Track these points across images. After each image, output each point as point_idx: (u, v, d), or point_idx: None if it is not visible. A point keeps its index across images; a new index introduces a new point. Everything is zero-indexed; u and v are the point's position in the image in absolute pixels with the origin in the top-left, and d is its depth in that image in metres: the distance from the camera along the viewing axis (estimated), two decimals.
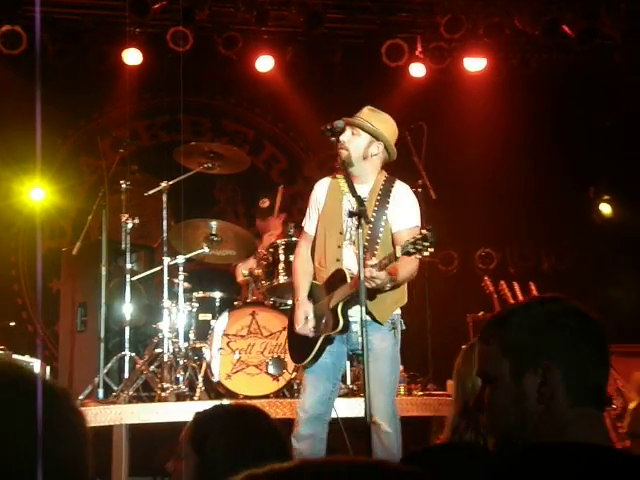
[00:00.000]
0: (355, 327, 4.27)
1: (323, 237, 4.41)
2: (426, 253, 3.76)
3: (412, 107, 8.00)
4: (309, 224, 4.52)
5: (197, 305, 6.30)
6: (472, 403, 1.83)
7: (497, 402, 1.72)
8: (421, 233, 3.77)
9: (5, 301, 7.94)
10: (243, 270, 6.51)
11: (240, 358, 5.98)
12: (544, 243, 8.84)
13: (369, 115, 4.43)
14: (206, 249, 6.22)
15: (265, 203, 7.06)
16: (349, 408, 5.21)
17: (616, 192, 8.77)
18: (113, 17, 7.90)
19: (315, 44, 8.22)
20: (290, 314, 4.59)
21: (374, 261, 3.98)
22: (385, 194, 4.33)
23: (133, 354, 6.12)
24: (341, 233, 4.34)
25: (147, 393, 6.06)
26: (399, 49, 8.09)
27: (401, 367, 6.14)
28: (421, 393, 6.19)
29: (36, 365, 5.51)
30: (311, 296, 4.43)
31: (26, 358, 5.55)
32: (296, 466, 0.92)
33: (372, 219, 4.18)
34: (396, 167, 7.27)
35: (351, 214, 3.93)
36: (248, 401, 5.10)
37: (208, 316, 6.35)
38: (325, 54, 8.28)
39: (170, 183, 6.16)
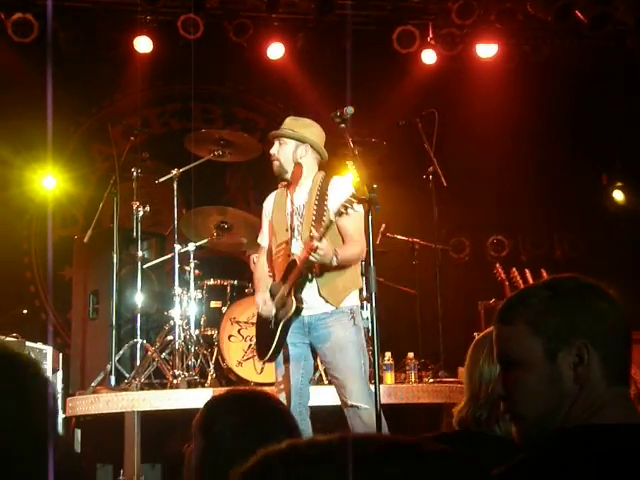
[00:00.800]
0: (311, 319, 4.43)
1: (274, 241, 4.67)
2: (359, 210, 4.06)
3: (423, 94, 7.98)
4: (262, 237, 4.82)
5: (208, 292, 6.32)
6: (491, 389, 1.75)
7: (528, 385, 1.65)
8: (351, 194, 4.00)
9: (18, 289, 7.98)
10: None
11: (251, 345, 5.99)
12: (556, 230, 8.80)
13: (291, 123, 4.68)
14: (216, 236, 6.23)
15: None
16: (320, 396, 5.24)
17: (629, 179, 8.71)
18: (124, 5, 7.91)
19: (326, 31, 8.20)
20: (257, 319, 4.69)
21: (316, 234, 4.17)
22: (323, 189, 4.51)
23: (145, 341, 6.15)
24: (287, 230, 4.57)
25: (159, 380, 6.08)
26: (410, 35, 8.05)
27: (411, 354, 6.24)
28: (432, 380, 6.20)
29: (49, 352, 5.54)
30: (271, 295, 4.57)
31: (39, 345, 5.57)
32: (338, 438, 0.90)
33: (314, 213, 4.43)
34: (407, 154, 7.29)
35: (362, 201, 3.95)
36: (259, 388, 5.11)
37: (219, 303, 6.37)
38: (336, 41, 8.25)
39: (181, 170, 6.16)
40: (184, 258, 6.18)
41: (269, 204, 4.78)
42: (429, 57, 8.21)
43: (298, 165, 4.59)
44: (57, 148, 7.80)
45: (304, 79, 8.38)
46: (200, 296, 6.26)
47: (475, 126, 8.24)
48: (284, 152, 4.61)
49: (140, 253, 6.25)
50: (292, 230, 4.55)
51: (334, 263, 4.25)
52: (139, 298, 6.23)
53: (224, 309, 6.18)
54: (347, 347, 4.33)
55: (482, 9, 7.94)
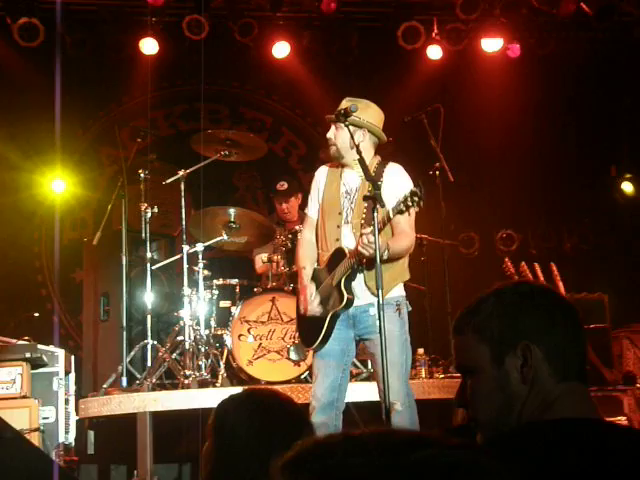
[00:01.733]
0: (356, 311, 4.37)
1: (323, 220, 4.56)
2: (417, 208, 3.98)
3: (429, 89, 7.98)
4: (311, 208, 4.69)
5: (217, 292, 6.34)
6: (455, 400, 1.79)
7: (480, 390, 1.69)
8: (410, 191, 3.92)
9: (29, 292, 8.03)
10: (262, 257, 6.52)
11: (261, 344, 6.01)
12: (566, 223, 8.78)
13: (346, 106, 4.48)
14: (225, 236, 6.25)
15: (284, 186, 7.07)
16: (367, 392, 5.25)
17: (638, 170, 8.68)
18: (129, 7, 7.94)
19: (331, 28, 8.20)
20: (296, 300, 4.64)
21: (369, 229, 4.11)
22: (377, 176, 4.42)
23: (155, 342, 6.17)
24: (340, 214, 4.48)
25: (170, 380, 6.11)
26: (416, 31, 8.04)
27: (421, 350, 6.24)
28: (443, 376, 6.20)
29: (60, 355, 5.57)
30: (315, 280, 4.52)
31: (50, 348, 5.61)
32: (372, 434, 0.92)
33: (366, 198, 4.29)
34: (413, 150, 7.29)
35: (365, 197, 3.96)
36: (272, 387, 5.13)
37: (228, 303, 6.39)
38: (341, 38, 8.25)
39: (188, 171, 6.18)
40: (193, 258, 6.20)
41: (321, 177, 4.66)
42: (434, 52, 8.20)
43: (355, 150, 4.39)
44: (66, 151, 7.84)
45: (310, 77, 8.39)
46: (210, 296, 6.28)
47: (482, 120, 8.23)
48: (341, 137, 4.47)
49: (149, 254, 6.28)
50: (342, 214, 4.48)
51: (385, 257, 4.17)
52: (149, 299, 6.26)
53: (234, 309, 6.20)
54: (391, 342, 4.16)
55: (487, 3, 7.93)
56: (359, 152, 4.22)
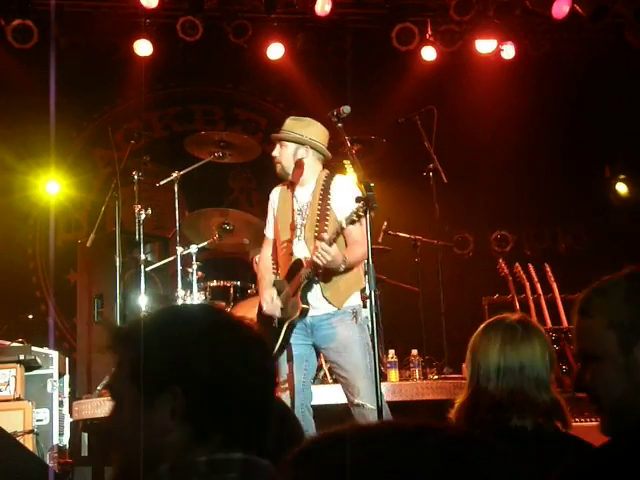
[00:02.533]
0: (314, 320, 4.47)
1: (278, 238, 4.73)
2: (370, 214, 4.02)
3: (424, 91, 7.98)
4: (268, 228, 4.90)
5: (211, 294, 6.34)
6: (572, 385, 1.76)
7: (605, 377, 1.64)
8: (356, 198, 3.99)
9: (24, 294, 8.02)
10: (256, 258, 6.52)
11: None
12: (560, 224, 8.80)
13: (291, 125, 4.69)
14: (218, 238, 6.25)
15: None
16: (324, 395, 5.28)
17: (632, 171, 8.70)
18: (123, 9, 7.93)
19: (325, 30, 8.21)
20: (259, 310, 4.70)
21: (325, 236, 4.25)
22: (326, 190, 4.56)
23: None
24: (293, 230, 4.62)
25: None
26: (410, 33, 8.05)
27: (415, 351, 6.25)
28: (437, 377, 6.21)
29: (54, 357, 5.56)
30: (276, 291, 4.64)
31: (45, 350, 5.60)
32: (381, 425, 0.94)
33: (318, 212, 4.50)
34: (407, 151, 7.29)
35: (358, 199, 3.97)
36: None
37: (223, 304, 6.39)
38: (335, 40, 8.26)
39: (181, 173, 6.17)
40: (187, 260, 6.19)
41: (275, 196, 4.85)
42: (428, 54, 8.20)
43: (299, 166, 4.62)
44: (60, 153, 7.83)
45: (304, 79, 8.39)
46: (203, 298, 6.28)
47: (476, 122, 8.24)
48: (285, 154, 4.64)
49: (143, 256, 6.26)
50: (295, 230, 4.60)
51: (341, 268, 4.32)
52: (143, 301, 6.25)
53: (227, 310, 6.19)
54: (352, 346, 4.37)
55: (480, 5, 7.94)
56: (351, 155, 4.26)
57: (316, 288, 4.47)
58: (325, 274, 4.41)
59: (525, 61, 8.33)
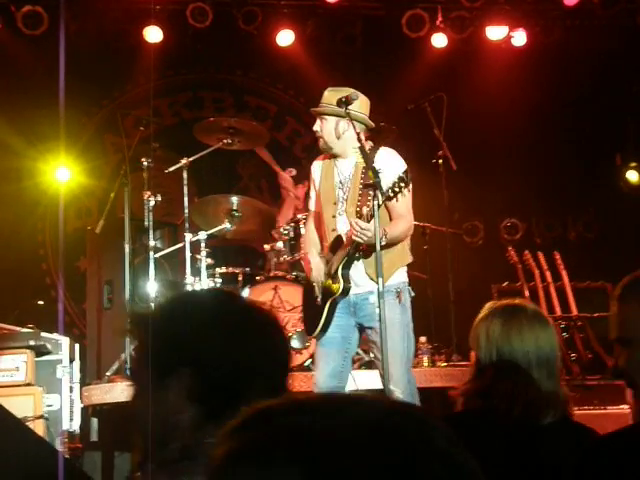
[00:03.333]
0: (357, 298, 4.40)
1: (320, 212, 4.66)
2: (406, 193, 4.05)
3: (434, 78, 7.95)
4: (310, 202, 4.83)
5: (220, 280, 6.34)
6: (611, 370, 1.78)
7: (638, 360, 1.66)
8: (398, 177, 3.96)
9: (34, 280, 8.05)
10: (265, 245, 6.53)
11: None
12: (570, 212, 8.76)
13: (329, 97, 4.57)
14: (227, 225, 6.25)
15: (292, 172, 7.08)
16: (369, 379, 5.26)
17: None
18: None
19: (335, 16, 8.18)
20: (304, 287, 4.66)
21: (364, 211, 4.20)
22: (370, 163, 4.39)
23: None
24: (335, 204, 4.54)
25: None
26: (420, 19, 8.02)
27: (424, 338, 6.25)
28: (445, 364, 6.21)
29: (64, 343, 5.58)
30: None
31: (55, 336, 5.62)
32: (315, 398, 0.95)
33: (360, 187, 4.40)
34: (416, 138, 7.27)
35: (366, 186, 3.96)
36: None
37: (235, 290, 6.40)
38: (345, 26, 8.24)
39: (190, 160, 6.18)
40: (196, 247, 6.21)
41: (317, 170, 4.75)
42: (439, 41, 8.16)
43: (341, 140, 4.54)
44: (70, 140, 7.84)
45: (314, 65, 8.36)
46: (212, 284, 6.29)
47: (486, 109, 8.20)
48: (326, 129, 4.56)
49: (152, 242, 6.27)
50: (337, 204, 4.54)
51: (382, 242, 4.17)
52: (152, 287, 6.26)
53: (242, 295, 6.20)
54: (391, 329, 4.18)
55: None
56: (359, 140, 4.24)
57: (358, 265, 4.40)
58: (367, 250, 4.31)
59: (536, 48, 8.28)
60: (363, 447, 0.81)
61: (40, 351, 5.33)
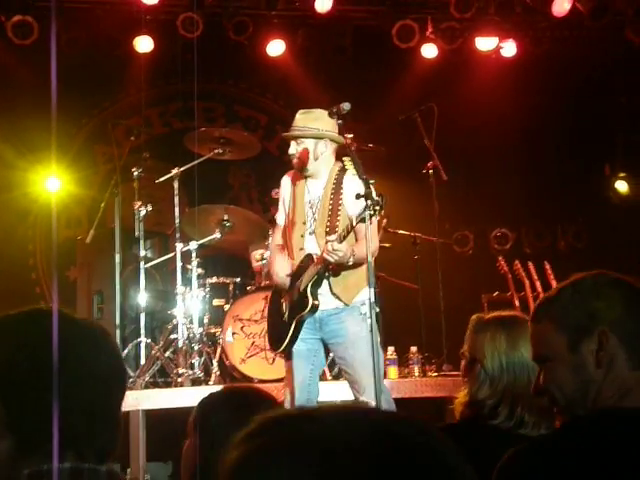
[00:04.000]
0: (323, 315, 4.46)
1: (289, 229, 4.68)
2: (377, 217, 4.06)
3: (424, 88, 7.97)
4: (280, 216, 4.82)
5: (211, 290, 6.34)
6: (532, 390, 1.85)
7: (555, 377, 1.75)
8: (373, 200, 3.92)
9: (24, 290, 8.01)
10: (256, 255, 6.53)
11: (254, 342, 6.02)
12: (560, 222, 8.79)
13: (304, 119, 4.63)
14: (218, 235, 6.25)
15: (278, 194, 7.06)
16: (333, 392, 5.31)
17: (632, 169, 8.69)
18: (123, 4, 7.92)
19: (325, 27, 8.20)
20: (269, 302, 4.72)
21: (334, 236, 4.24)
22: (338, 184, 4.53)
23: (149, 340, 6.17)
24: (304, 223, 4.59)
25: (163, 379, 6.11)
26: (410, 30, 8.05)
27: (414, 348, 6.25)
28: (436, 374, 6.21)
29: None
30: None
31: None
32: (326, 409, 0.94)
33: (330, 207, 4.47)
34: (407, 149, 7.30)
35: (358, 196, 3.96)
36: (262, 385, 5.13)
37: (222, 301, 6.40)
38: (336, 37, 8.26)
39: (181, 170, 6.18)
40: (187, 257, 6.20)
41: (286, 186, 4.77)
42: (429, 51, 8.19)
43: (319, 161, 4.57)
44: (60, 149, 7.82)
45: (304, 76, 8.38)
46: (203, 294, 6.29)
47: (476, 119, 8.23)
48: (304, 152, 4.58)
49: (143, 252, 6.28)
50: (305, 223, 4.58)
51: (350, 263, 4.31)
52: (143, 297, 6.26)
53: (227, 307, 6.20)
54: (359, 342, 4.32)
55: (481, 2, 7.94)
56: (350, 152, 4.26)
57: (326, 283, 4.46)
58: (335, 270, 4.41)
59: (526, 59, 8.32)
60: (367, 453, 0.85)
61: None
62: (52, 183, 7.75)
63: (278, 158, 8.77)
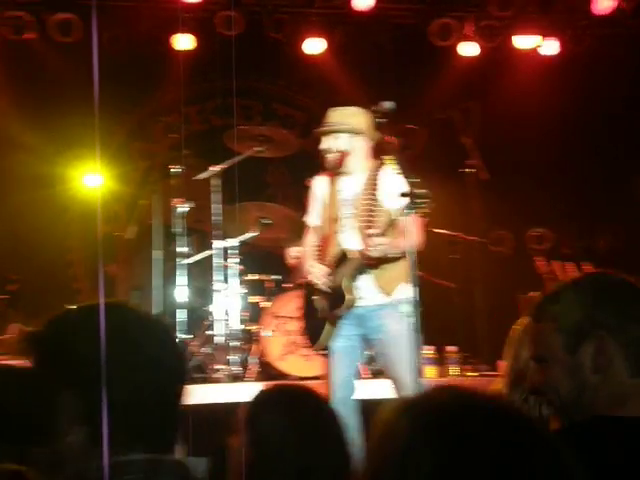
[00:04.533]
0: (364, 310, 4.43)
1: (324, 228, 4.67)
2: (420, 211, 3.93)
3: (463, 87, 7.94)
4: (311, 216, 4.81)
5: (249, 287, 6.36)
6: (527, 388, 1.88)
7: (552, 377, 1.73)
8: (417, 194, 3.86)
9: (62, 285, 8.09)
10: (293, 252, 6.53)
11: (292, 340, 6.03)
12: (599, 222, 8.70)
13: (340, 115, 4.60)
14: (257, 232, 6.27)
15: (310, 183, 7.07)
16: (376, 390, 5.29)
17: None
18: (163, 3, 7.98)
19: (364, 25, 8.19)
20: (304, 299, 4.68)
21: (376, 231, 4.22)
22: (376, 180, 4.48)
23: (187, 336, 6.20)
24: (340, 220, 4.55)
25: (200, 375, 6.14)
26: (449, 28, 8.02)
27: (452, 347, 6.23)
28: (474, 374, 6.18)
29: None
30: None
31: None
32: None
33: (369, 203, 4.43)
34: (447, 148, 7.26)
35: (403, 194, 3.95)
36: (300, 382, 5.14)
37: (260, 298, 6.41)
38: (374, 34, 8.25)
39: (220, 167, 6.21)
40: (225, 254, 6.23)
41: (320, 186, 4.75)
42: (468, 49, 8.15)
43: (353, 157, 4.55)
44: (99, 146, 7.87)
45: (343, 73, 8.38)
46: (241, 291, 6.31)
47: (516, 118, 8.16)
48: (340, 147, 4.56)
49: (182, 249, 6.31)
50: (342, 220, 4.54)
51: (391, 256, 4.28)
52: (181, 294, 6.29)
53: (265, 304, 6.22)
54: (401, 340, 4.24)
55: (521, 0, 7.88)
56: (393, 150, 4.24)
57: (366, 279, 4.43)
58: (374, 265, 4.37)
59: (566, 57, 8.25)
60: (484, 440, 0.96)
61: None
62: (93, 179, 7.83)
63: (314, 156, 8.77)
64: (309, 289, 4.77)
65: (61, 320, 1.54)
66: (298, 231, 6.62)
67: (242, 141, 6.33)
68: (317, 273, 4.55)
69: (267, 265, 6.99)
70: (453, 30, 8.01)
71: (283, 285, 6.46)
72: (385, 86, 7.52)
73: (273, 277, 6.51)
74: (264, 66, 8.66)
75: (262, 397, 2.33)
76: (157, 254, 6.25)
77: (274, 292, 6.44)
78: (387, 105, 4.19)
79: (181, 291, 6.32)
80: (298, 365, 5.96)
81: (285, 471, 2.17)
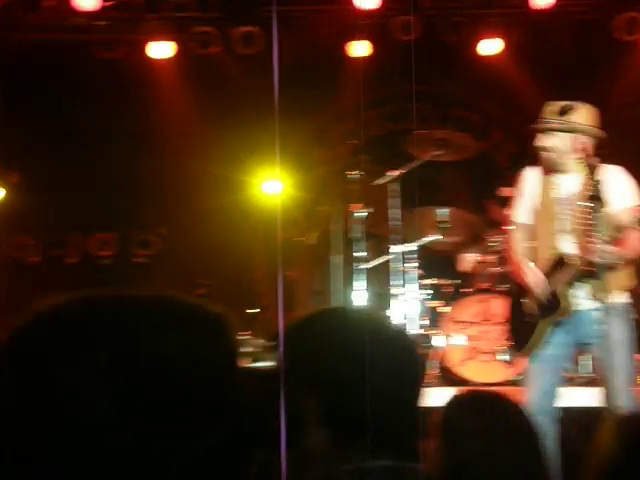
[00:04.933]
0: (581, 315, 4.24)
1: (537, 227, 4.42)
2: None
3: None
4: (521, 214, 4.52)
5: (428, 292, 6.34)
6: None
7: None
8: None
9: (245, 289, 8.37)
10: (471, 257, 6.47)
11: (473, 345, 5.96)
12: None
13: (559, 111, 4.34)
14: (437, 236, 6.26)
15: (506, 192, 6.97)
16: (582, 398, 5.11)
17: None
18: (339, 11, 8.10)
19: (543, 23, 7.98)
20: (513, 301, 4.54)
21: (602, 236, 3.98)
22: (598, 180, 4.16)
23: None
24: (556, 221, 4.32)
25: None
26: (634, 22, 7.67)
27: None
28: None
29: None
30: None
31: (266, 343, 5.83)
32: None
33: (590, 205, 4.09)
34: (635, 147, 6.93)
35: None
36: (494, 388, 5.07)
37: (438, 303, 6.38)
38: (553, 33, 8.02)
39: (401, 172, 6.23)
40: (403, 258, 6.24)
41: (532, 181, 4.49)
42: None
43: (571, 155, 4.32)
44: (280, 153, 8.08)
45: (521, 74, 8.19)
46: (419, 296, 6.30)
47: None
48: (559, 145, 4.34)
49: (360, 254, 6.38)
50: (558, 221, 4.34)
51: (615, 264, 4.09)
52: (359, 298, 6.36)
53: (444, 309, 6.18)
54: (618, 345, 4.11)
55: None
56: (588, 156, 4.11)
57: (582, 285, 4.23)
58: (595, 272, 4.14)
59: None
60: None
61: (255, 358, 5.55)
62: (273, 186, 8.06)
63: (491, 158, 8.64)
64: (517, 292, 4.56)
65: (311, 322, 1.57)
66: (475, 235, 6.56)
67: (419, 145, 6.33)
68: (535, 279, 4.35)
69: (444, 269, 6.94)
70: (638, 24, 7.66)
71: (461, 290, 6.39)
72: (565, 85, 7.29)
73: (452, 282, 6.45)
74: (440, 69, 8.60)
75: (455, 403, 2.32)
76: (337, 259, 6.35)
77: (452, 297, 6.39)
78: (568, 104, 4.10)
79: (359, 295, 6.38)
80: (479, 371, 5.89)
81: (478, 479, 2.15)
